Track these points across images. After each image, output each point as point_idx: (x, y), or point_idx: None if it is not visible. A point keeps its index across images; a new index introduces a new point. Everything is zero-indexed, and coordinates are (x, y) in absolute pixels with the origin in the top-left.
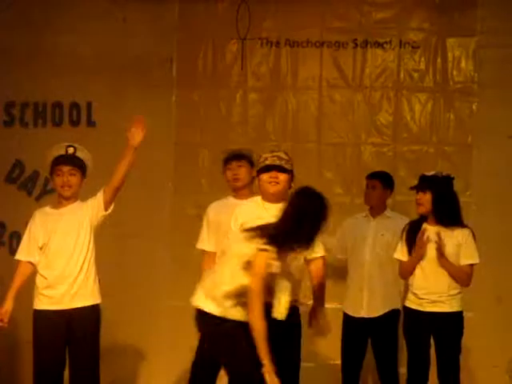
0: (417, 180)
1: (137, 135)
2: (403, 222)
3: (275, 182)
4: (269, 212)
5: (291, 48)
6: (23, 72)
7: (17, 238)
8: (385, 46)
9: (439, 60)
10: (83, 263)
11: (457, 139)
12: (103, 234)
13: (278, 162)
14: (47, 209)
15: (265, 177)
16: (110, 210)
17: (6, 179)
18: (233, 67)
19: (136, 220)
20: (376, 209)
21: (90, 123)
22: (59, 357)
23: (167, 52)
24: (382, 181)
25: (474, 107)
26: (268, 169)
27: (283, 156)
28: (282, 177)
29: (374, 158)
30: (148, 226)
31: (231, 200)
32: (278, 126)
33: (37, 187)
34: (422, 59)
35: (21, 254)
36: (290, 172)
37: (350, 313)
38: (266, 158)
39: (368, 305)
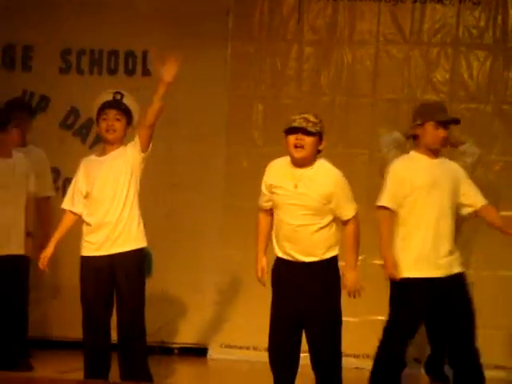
0: (473, 138)
1: (171, 69)
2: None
3: (300, 146)
4: (295, 177)
5: (349, 1)
6: (80, 19)
7: (70, 184)
8: (444, 1)
9: (500, 17)
10: (123, 209)
11: None
12: (155, 184)
13: (304, 125)
14: (92, 157)
15: (291, 139)
16: (147, 152)
17: (60, 125)
18: (289, 20)
19: (189, 171)
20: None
21: (146, 72)
22: (104, 302)
23: (224, 4)
24: None
25: None
26: (294, 131)
27: (311, 118)
28: (308, 140)
29: None
30: (201, 178)
31: None
32: (332, 80)
33: (91, 135)
34: (482, 16)
35: (65, 204)
36: (316, 135)
37: None
38: (294, 120)
39: None
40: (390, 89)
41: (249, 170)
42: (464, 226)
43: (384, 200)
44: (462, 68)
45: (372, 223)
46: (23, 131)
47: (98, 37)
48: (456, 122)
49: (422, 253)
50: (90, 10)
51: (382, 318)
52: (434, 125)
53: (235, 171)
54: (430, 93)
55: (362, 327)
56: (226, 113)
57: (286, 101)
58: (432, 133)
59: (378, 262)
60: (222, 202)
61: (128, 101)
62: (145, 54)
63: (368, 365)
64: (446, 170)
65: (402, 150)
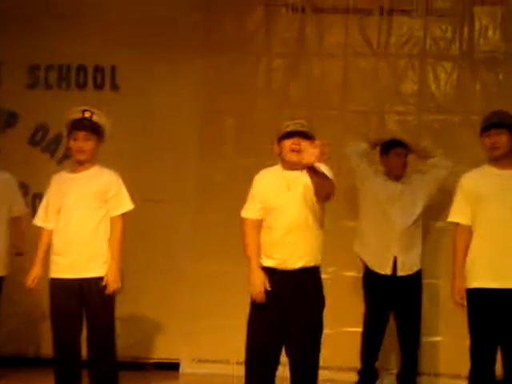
0: (442, 149)
1: None
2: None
3: (297, 149)
4: (287, 179)
5: (317, 14)
6: (48, 34)
7: (39, 199)
8: (411, 13)
9: (466, 29)
10: (94, 232)
11: (482, 109)
12: None
13: (300, 128)
14: (63, 173)
15: (287, 143)
16: None
17: (29, 142)
18: (257, 33)
19: (160, 186)
20: (398, 176)
21: (114, 87)
22: (74, 320)
23: (193, 17)
24: (406, 148)
25: (500, 77)
26: (290, 135)
27: (305, 123)
28: (304, 144)
29: (398, 127)
30: (173, 192)
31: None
32: (302, 93)
33: (60, 150)
34: (449, 28)
35: (37, 220)
36: (311, 139)
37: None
38: (288, 125)
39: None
40: (359, 101)
41: (221, 184)
42: None
43: (453, 214)
44: (430, 79)
45: (342, 235)
46: None
47: (65, 52)
48: (497, 124)
49: (487, 263)
50: (58, 25)
51: (355, 329)
52: (482, 135)
53: (207, 185)
54: (399, 104)
55: (334, 339)
56: (197, 126)
57: (256, 114)
58: (482, 143)
59: (349, 273)
60: (195, 217)
61: (98, 118)
62: (113, 69)
63: (340, 377)
64: None
65: (369, 159)
